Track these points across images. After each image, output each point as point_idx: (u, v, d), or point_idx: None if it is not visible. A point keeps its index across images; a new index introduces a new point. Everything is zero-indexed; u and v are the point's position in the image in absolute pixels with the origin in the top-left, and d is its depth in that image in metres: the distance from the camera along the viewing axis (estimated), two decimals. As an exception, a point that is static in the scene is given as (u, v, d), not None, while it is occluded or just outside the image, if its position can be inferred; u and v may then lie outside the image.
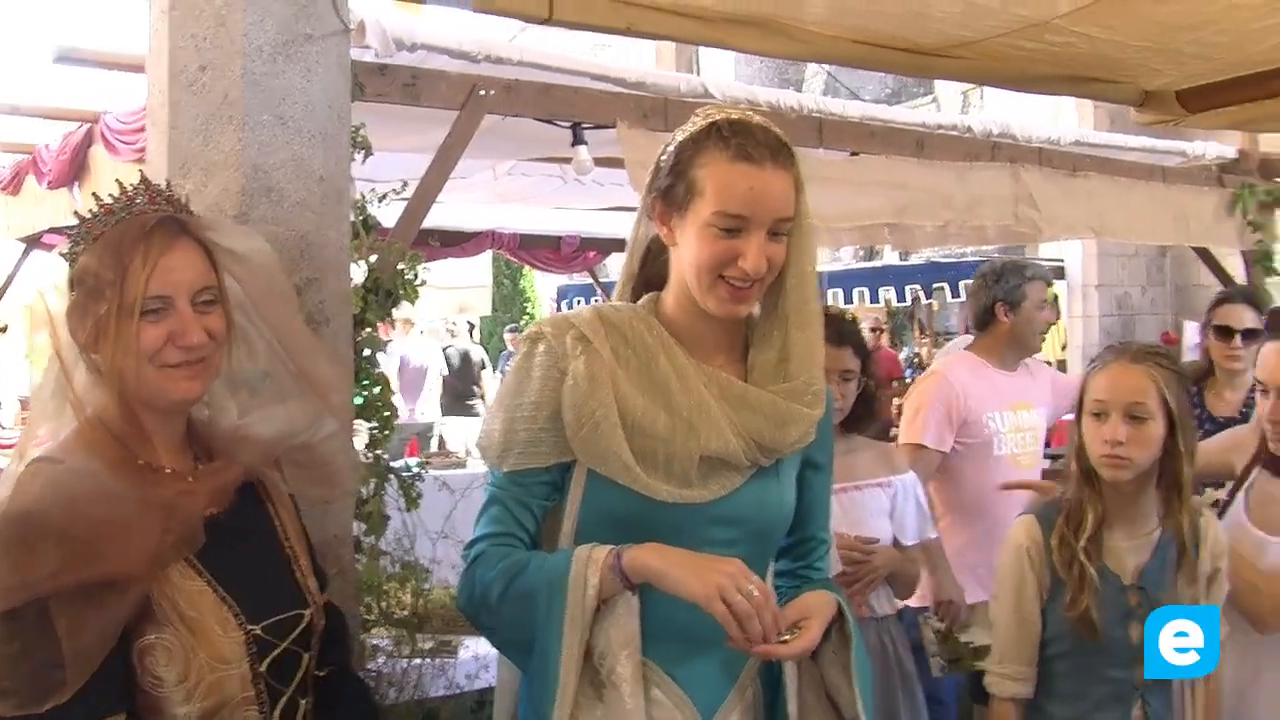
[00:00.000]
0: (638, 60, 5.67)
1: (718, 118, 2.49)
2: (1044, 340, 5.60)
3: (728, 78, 15.48)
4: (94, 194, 2.36)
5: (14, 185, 7.90)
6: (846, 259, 18.95)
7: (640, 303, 2.64)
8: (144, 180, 2.38)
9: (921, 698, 4.19)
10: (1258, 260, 7.86)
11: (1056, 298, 15.38)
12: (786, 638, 2.38)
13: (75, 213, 2.37)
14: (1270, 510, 3.79)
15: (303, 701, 2.41)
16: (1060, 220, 6.85)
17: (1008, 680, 3.36)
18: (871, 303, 15.37)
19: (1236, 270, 8.18)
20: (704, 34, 4.64)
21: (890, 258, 17.22)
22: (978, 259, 13.10)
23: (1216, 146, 7.86)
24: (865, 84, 19.50)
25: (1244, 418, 5.01)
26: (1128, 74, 5.76)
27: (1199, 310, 13.01)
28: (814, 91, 18.49)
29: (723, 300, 2.45)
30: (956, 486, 5.22)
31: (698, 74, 12.21)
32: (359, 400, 4.04)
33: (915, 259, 16.27)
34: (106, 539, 2.08)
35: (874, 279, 15.25)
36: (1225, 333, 5.54)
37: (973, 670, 4.10)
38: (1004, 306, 5.31)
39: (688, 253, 2.46)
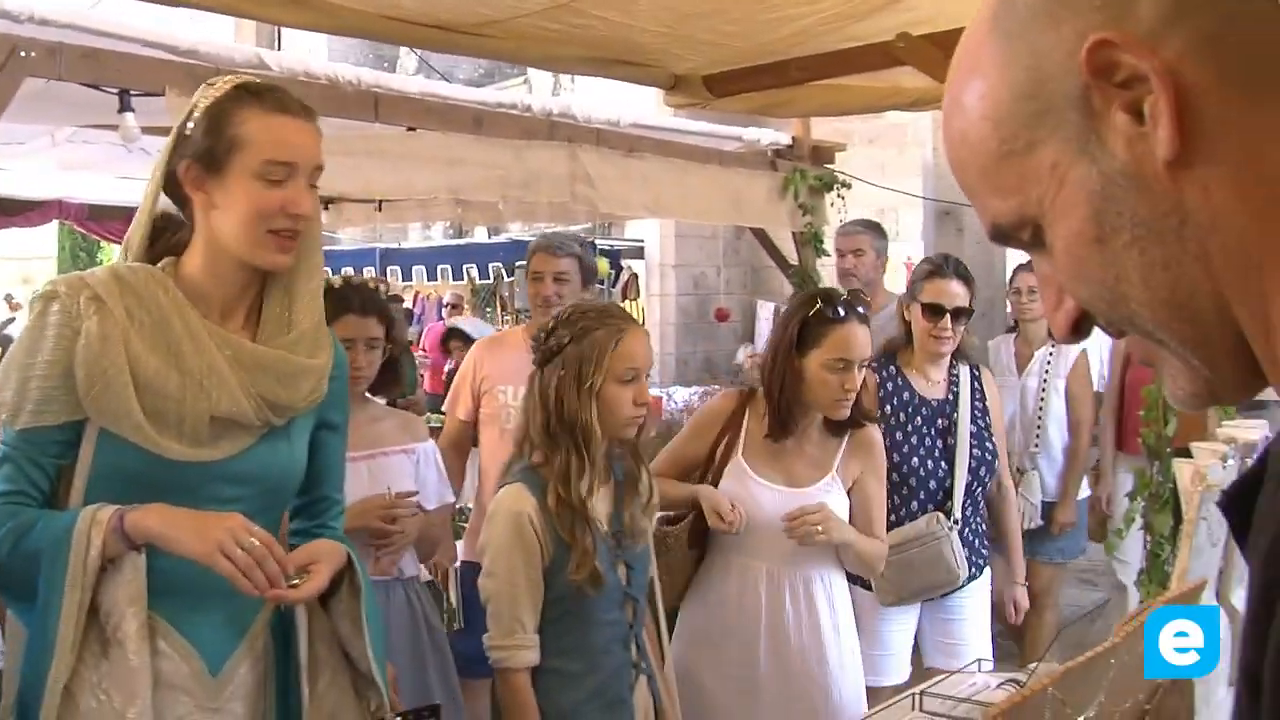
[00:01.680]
0: (193, 28, 5.59)
1: (239, 81, 2.59)
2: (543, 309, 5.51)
3: (320, 55, 15.29)
4: None
5: None
6: (438, 237, 19.01)
7: (160, 265, 2.66)
8: None
9: (449, 655, 4.34)
10: (807, 241, 8.24)
11: (635, 275, 15.79)
12: (296, 582, 2.49)
13: None
14: (775, 463, 4.26)
15: None
16: (616, 199, 7.05)
17: (523, 650, 3.38)
18: (455, 279, 15.50)
19: (790, 251, 8.60)
20: (233, 5, 4.65)
21: (480, 235, 17.39)
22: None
23: (772, 133, 8.21)
24: (457, 65, 19.57)
25: (954, 400, 5.19)
26: (654, 58, 6.03)
27: (772, 289, 13.70)
28: (406, 71, 18.44)
29: (272, 250, 2.54)
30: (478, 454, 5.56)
31: (279, 49, 12.07)
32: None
33: (501, 237, 16.49)
34: None
35: (458, 256, 15.40)
36: (934, 311, 5.12)
37: None
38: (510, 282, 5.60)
39: (232, 211, 2.53)
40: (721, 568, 4.25)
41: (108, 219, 10.91)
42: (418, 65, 20.27)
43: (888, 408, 5.12)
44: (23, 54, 4.51)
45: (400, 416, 4.51)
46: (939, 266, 5.23)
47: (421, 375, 12.09)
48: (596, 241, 14.27)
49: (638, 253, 15.76)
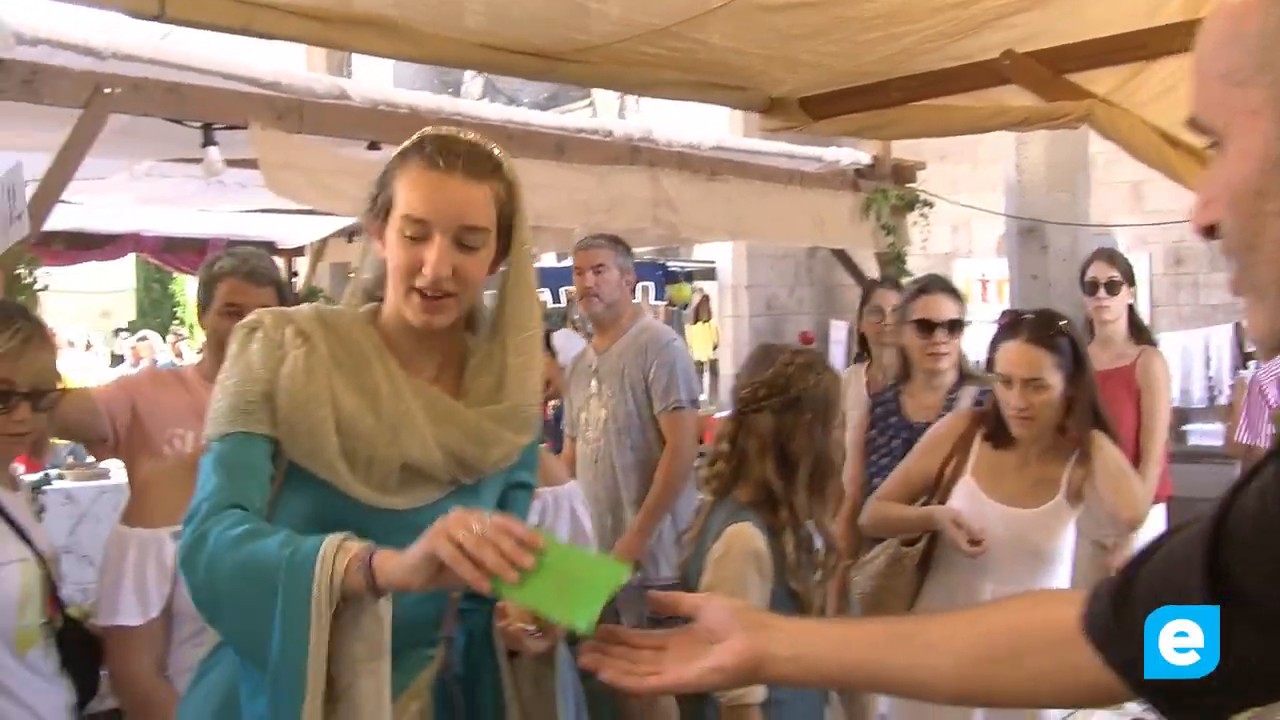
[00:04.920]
0: (278, 60, 5.61)
1: (429, 133, 2.52)
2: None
3: (386, 81, 15.32)
4: None
5: None
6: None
7: (361, 310, 2.61)
8: None
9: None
10: (889, 261, 8.17)
11: (707, 297, 15.74)
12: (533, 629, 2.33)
13: None
14: (1003, 482, 4.18)
15: None
16: (699, 222, 7.04)
17: (757, 686, 3.31)
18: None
19: (872, 271, 8.51)
20: (322, 35, 4.62)
21: (548, 260, 17.37)
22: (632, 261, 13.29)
23: (851, 152, 8.14)
24: (524, 87, 19.59)
25: None
26: (752, 81, 5.97)
27: (846, 309, 13.59)
28: (472, 96, 18.49)
29: (417, 310, 2.44)
30: None
31: (349, 76, 12.09)
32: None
33: (568, 261, 16.44)
34: None
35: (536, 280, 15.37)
36: (925, 327, 5.11)
37: None
38: None
39: (390, 265, 2.48)
40: (946, 589, 4.20)
41: (182, 250, 10.96)
42: (483, 89, 20.39)
43: (874, 432, 5.23)
44: (107, 90, 4.49)
45: None
46: (925, 284, 5.31)
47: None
48: (668, 264, 14.22)
49: (709, 274, 15.69)
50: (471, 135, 2.52)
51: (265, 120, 4.97)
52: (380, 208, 2.48)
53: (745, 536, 3.43)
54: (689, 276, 15.26)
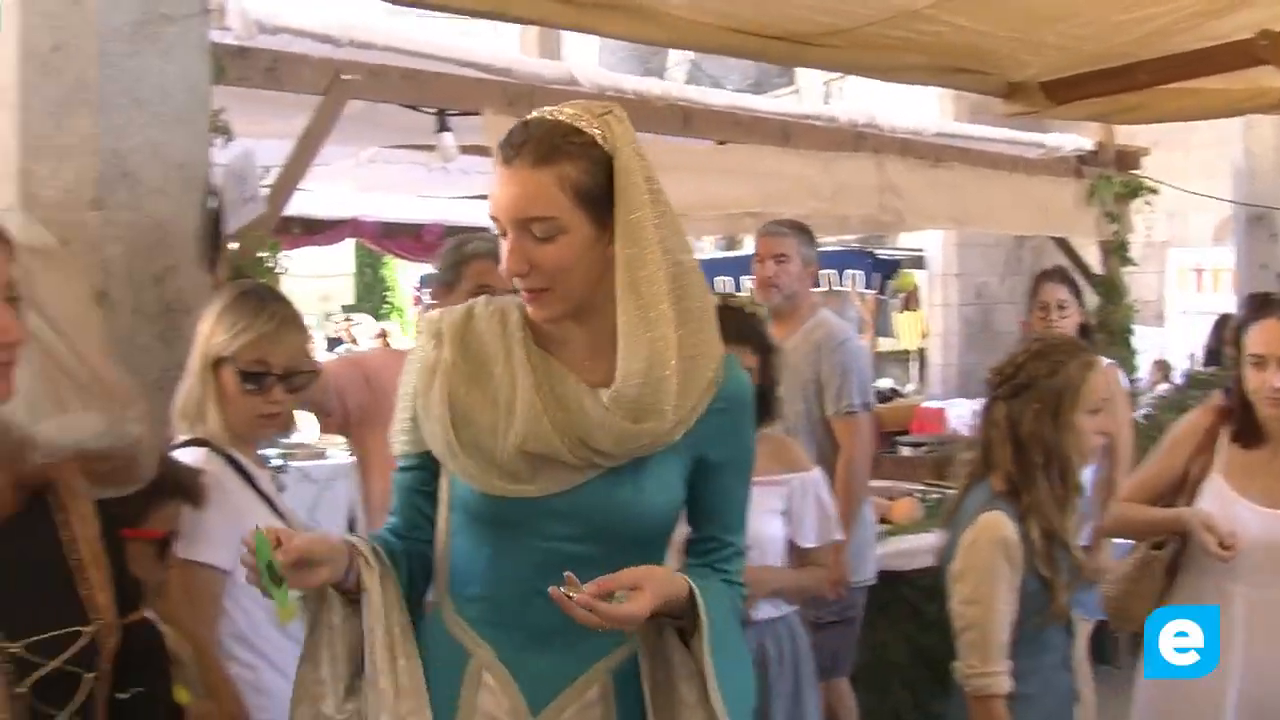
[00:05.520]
0: (501, 46, 5.68)
1: (521, 120, 2.47)
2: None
3: (591, 64, 15.41)
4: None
5: None
6: (709, 250, 18.99)
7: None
8: None
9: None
10: (1113, 250, 8.00)
11: (916, 287, 15.50)
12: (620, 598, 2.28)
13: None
14: (1255, 480, 3.98)
15: None
16: (924, 210, 6.94)
17: (1003, 676, 3.35)
18: (736, 292, 15.38)
19: (1093, 260, 8.32)
20: (574, 19, 4.63)
21: (751, 247, 17.27)
22: (839, 248, 13.13)
23: (1075, 138, 7.96)
24: (728, 73, 19.57)
25: None
26: (995, 65, 5.84)
27: (1056, 299, 13.29)
28: (677, 80, 18.52)
29: (525, 303, 2.43)
30: None
31: (560, 60, 12.16)
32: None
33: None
34: None
35: (737, 268, 15.25)
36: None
37: None
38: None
39: None
40: (1195, 593, 3.98)
41: (400, 236, 11.16)
42: (688, 73, 20.41)
43: None
44: (346, 77, 4.54)
45: (772, 443, 4.05)
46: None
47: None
48: (876, 251, 14.02)
49: (917, 262, 15.43)
50: (560, 113, 2.40)
51: (497, 106, 4.98)
52: None
53: (995, 525, 3.40)
54: (897, 265, 15.03)
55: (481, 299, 2.60)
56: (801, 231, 5.58)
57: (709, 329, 2.49)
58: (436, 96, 5.02)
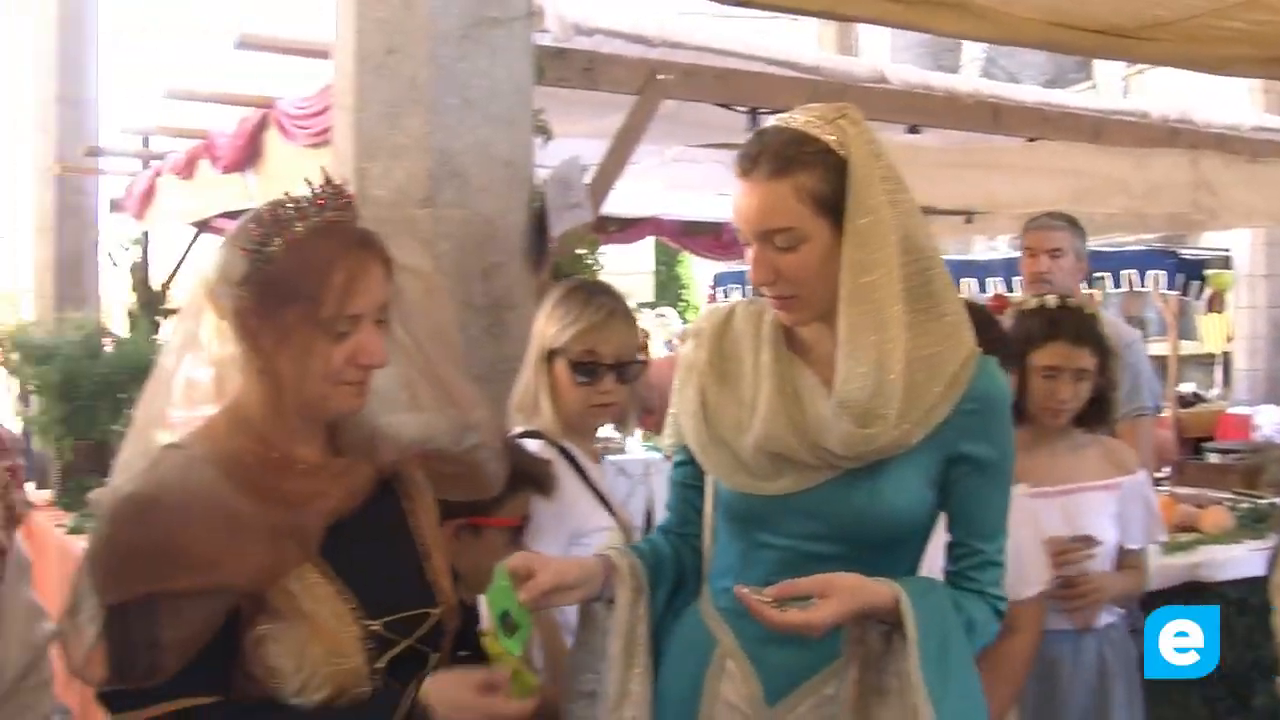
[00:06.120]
0: (798, 43, 5.69)
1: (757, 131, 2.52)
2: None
3: (883, 59, 15.29)
4: (286, 192, 2.25)
5: (187, 169, 8.02)
6: (1003, 249, 18.63)
7: None
8: (328, 179, 2.30)
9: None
10: None
11: (1225, 289, 14.87)
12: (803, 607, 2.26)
13: (271, 206, 2.22)
14: None
15: None
16: (1239, 207, 6.74)
17: None
18: (1008, 292, 15.03)
19: None
20: (904, 16, 4.62)
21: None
22: (1140, 247, 12.73)
23: (1401, 130, 7.55)
24: (1024, 69, 19.16)
25: None
26: (1332, 55, 5.59)
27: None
28: (971, 76, 18.23)
29: (774, 309, 2.47)
30: None
31: (856, 56, 12.11)
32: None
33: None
34: (221, 549, 2.08)
35: (1006, 270, 14.90)
36: None
37: None
38: None
39: None
40: None
41: (700, 234, 11.28)
42: (982, 68, 20.04)
43: None
44: (660, 77, 4.61)
45: (1105, 445, 3.97)
46: None
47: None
48: (1180, 251, 13.53)
49: (1224, 262, 14.81)
50: (793, 121, 2.38)
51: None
52: None
53: None
54: (1203, 265, 14.46)
55: (745, 299, 2.67)
56: (1073, 225, 5.32)
57: (952, 328, 2.44)
58: (748, 95, 5.07)
